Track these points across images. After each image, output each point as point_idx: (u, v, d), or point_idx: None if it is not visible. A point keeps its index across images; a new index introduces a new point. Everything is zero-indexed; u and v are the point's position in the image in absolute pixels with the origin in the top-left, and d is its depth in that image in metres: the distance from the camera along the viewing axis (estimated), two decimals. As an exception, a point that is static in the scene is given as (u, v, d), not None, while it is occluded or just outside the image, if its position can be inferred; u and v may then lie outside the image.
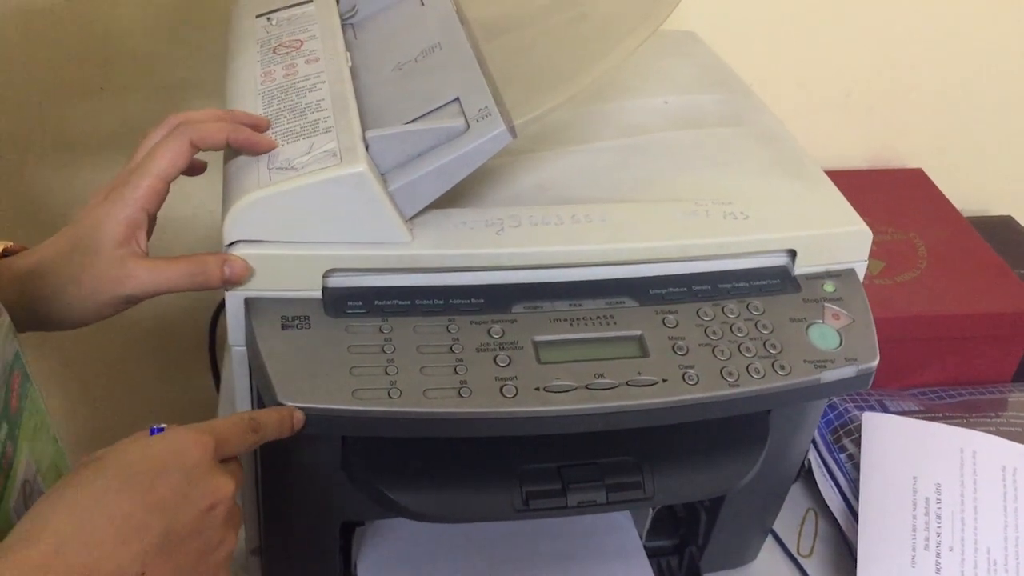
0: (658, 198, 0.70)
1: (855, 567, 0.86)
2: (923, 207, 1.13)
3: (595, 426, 0.62)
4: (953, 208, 1.13)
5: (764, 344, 0.65)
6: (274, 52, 0.73)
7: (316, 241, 0.62)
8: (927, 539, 0.84)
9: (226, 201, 0.62)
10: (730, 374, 0.63)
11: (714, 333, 0.65)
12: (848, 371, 0.66)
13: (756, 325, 0.66)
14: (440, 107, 0.66)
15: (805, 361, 0.65)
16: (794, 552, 0.89)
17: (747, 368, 0.64)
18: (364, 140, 0.63)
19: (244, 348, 0.64)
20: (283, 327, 0.61)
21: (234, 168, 0.63)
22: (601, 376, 0.62)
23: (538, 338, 0.63)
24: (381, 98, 0.68)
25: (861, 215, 0.71)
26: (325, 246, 0.62)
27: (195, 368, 1.14)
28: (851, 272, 0.71)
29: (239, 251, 0.61)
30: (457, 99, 0.65)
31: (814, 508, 0.93)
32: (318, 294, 0.63)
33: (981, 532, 0.84)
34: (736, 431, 0.71)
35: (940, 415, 0.96)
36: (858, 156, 1.19)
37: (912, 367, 1.01)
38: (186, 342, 1.14)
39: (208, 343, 1.04)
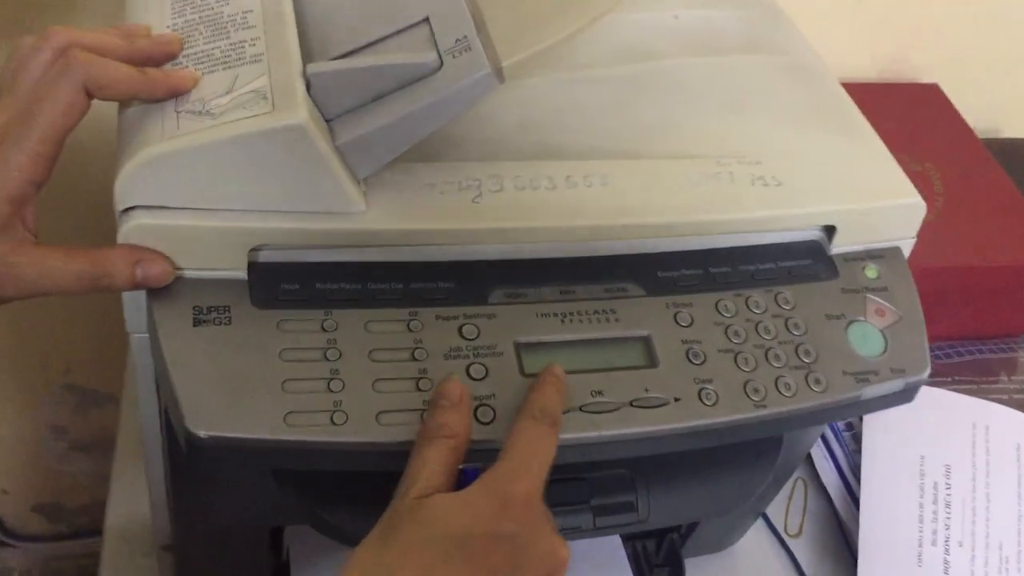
0: (671, 152, 0.57)
1: (848, 548, 0.78)
2: (938, 129, 1.01)
3: (590, 456, 0.50)
4: (970, 131, 1.01)
5: (796, 350, 0.53)
6: (188, -63, 0.56)
7: (239, 209, 0.48)
8: (935, 532, 0.75)
9: (120, 154, 0.46)
10: (756, 391, 0.51)
11: (736, 335, 0.53)
12: (894, 385, 0.54)
13: (787, 324, 0.54)
14: (405, 28, 0.50)
15: (844, 373, 0.53)
16: (781, 532, 0.80)
17: (776, 382, 0.52)
18: (305, 76, 0.48)
19: (146, 335, 0.50)
20: (195, 322, 0.47)
21: (131, 108, 0.48)
22: (599, 394, 0.50)
23: (521, 339, 0.50)
24: (328, 14, 0.52)
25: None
26: (251, 216, 0.48)
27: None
28: (896, 252, 0.58)
29: (136, 220, 0.46)
30: (427, 20, 0.50)
31: (803, 478, 0.84)
32: (242, 275, 0.49)
33: (993, 524, 0.75)
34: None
35: (949, 378, 0.86)
36: (868, 67, 1.06)
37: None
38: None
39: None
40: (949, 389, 0.84)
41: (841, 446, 0.82)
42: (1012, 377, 0.88)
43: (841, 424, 0.83)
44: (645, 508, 0.56)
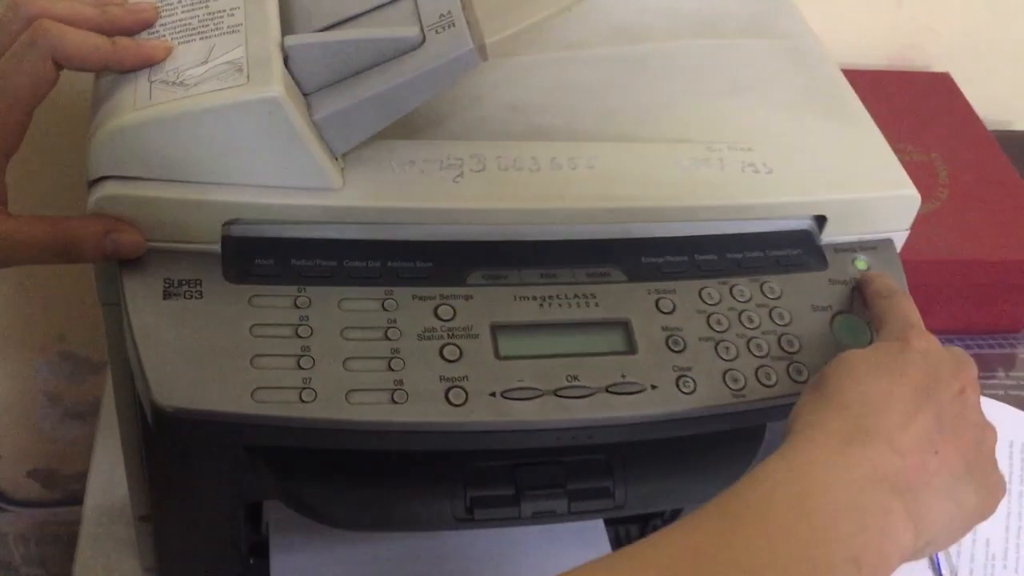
0: (661, 136, 0.55)
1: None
2: (947, 120, 0.99)
3: (563, 440, 0.49)
4: (980, 123, 0.99)
5: (779, 340, 0.52)
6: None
7: (212, 182, 0.47)
8: (922, 527, 0.74)
9: (93, 123, 0.46)
10: (735, 380, 0.51)
11: (719, 323, 0.52)
12: (878, 379, 0.53)
13: (771, 314, 0.53)
14: (389, 2, 0.50)
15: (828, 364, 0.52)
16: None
17: (756, 372, 0.51)
18: (283, 49, 0.47)
19: (118, 306, 0.49)
20: (166, 295, 0.47)
21: (106, 76, 0.47)
22: (575, 379, 0.49)
23: (498, 321, 0.50)
24: (310, -15, 0.51)
25: (879, 126, 0.59)
26: (225, 189, 0.47)
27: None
28: (888, 244, 0.57)
29: (106, 191, 0.46)
30: (412, -7, 0.49)
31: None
32: (216, 248, 0.48)
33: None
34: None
35: (945, 373, 0.85)
36: (879, 55, 1.04)
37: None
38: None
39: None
40: (945, 384, 0.83)
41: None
42: (1010, 373, 0.87)
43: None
44: (622, 494, 0.55)
